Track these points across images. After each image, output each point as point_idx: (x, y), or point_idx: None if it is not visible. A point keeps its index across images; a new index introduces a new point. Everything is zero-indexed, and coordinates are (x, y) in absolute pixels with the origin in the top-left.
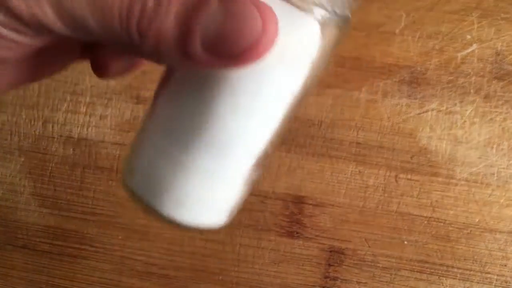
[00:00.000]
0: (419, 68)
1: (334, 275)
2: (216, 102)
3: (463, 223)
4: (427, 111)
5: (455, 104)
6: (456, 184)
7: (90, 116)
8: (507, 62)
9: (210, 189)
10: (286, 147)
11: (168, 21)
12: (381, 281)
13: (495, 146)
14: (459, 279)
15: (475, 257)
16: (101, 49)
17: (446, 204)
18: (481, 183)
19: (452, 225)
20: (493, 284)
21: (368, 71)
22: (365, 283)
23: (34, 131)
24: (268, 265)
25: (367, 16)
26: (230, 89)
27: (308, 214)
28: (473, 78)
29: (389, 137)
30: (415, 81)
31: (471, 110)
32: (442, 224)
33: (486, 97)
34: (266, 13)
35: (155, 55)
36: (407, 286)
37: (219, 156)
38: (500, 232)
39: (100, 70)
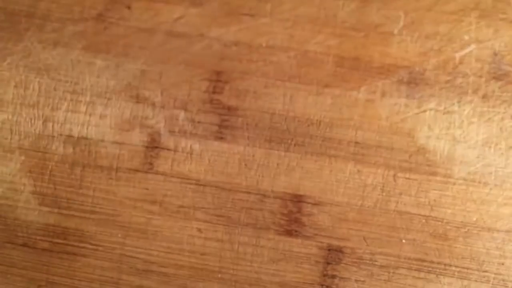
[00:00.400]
0: (417, 68)
1: (333, 273)
2: None
3: (461, 222)
4: (425, 111)
5: (453, 104)
6: (454, 183)
7: (90, 115)
8: (505, 62)
9: None
10: (285, 146)
11: None
12: (379, 279)
13: (493, 145)
14: (457, 278)
15: (473, 255)
16: None
17: (444, 203)
18: (479, 182)
19: (450, 224)
20: (491, 282)
21: (366, 71)
22: (363, 281)
23: (35, 130)
24: (267, 263)
25: (366, 16)
26: None
27: (306, 212)
28: (471, 78)
29: (388, 136)
30: (413, 81)
31: (469, 110)
32: (440, 223)
33: (484, 97)
34: None
35: None
36: (405, 284)
37: None
38: (498, 231)
39: None
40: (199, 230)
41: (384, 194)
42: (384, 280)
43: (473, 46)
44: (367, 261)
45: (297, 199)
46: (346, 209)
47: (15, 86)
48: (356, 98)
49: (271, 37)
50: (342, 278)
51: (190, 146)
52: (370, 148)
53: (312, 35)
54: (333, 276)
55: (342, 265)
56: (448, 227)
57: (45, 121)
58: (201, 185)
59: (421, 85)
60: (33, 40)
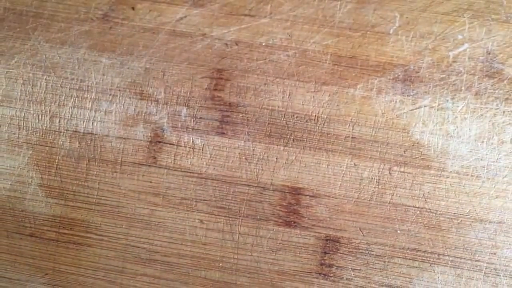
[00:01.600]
0: (412, 67)
1: (330, 263)
2: None
3: (454, 213)
4: (420, 107)
5: (447, 101)
6: (448, 177)
7: (95, 112)
8: (497, 61)
9: None
10: (284, 141)
11: None
12: (375, 268)
13: (485, 140)
14: (450, 267)
15: (466, 245)
16: None
17: (437, 195)
18: (472, 175)
19: (443, 215)
20: (483, 271)
21: (363, 69)
22: (359, 270)
23: (42, 126)
24: (266, 253)
25: (362, 17)
26: None
27: (305, 204)
28: (465, 76)
29: (383, 131)
30: (408, 79)
31: (463, 107)
32: (433, 214)
33: (477, 94)
34: None
35: None
36: (399, 273)
37: None
38: (490, 222)
39: None
40: (201, 221)
41: (379, 187)
42: (380, 269)
43: (466, 45)
44: (363, 251)
45: (296, 191)
46: (343, 201)
47: (23, 84)
48: (353, 95)
49: (270, 37)
50: (339, 267)
51: (192, 141)
52: (366, 143)
53: (310, 35)
54: (330, 265)
55: (339, 254)
56: (441, 219)
57: (52, 117)
58: (202, 178)
59: (416, 83)
60: (40, 39)
